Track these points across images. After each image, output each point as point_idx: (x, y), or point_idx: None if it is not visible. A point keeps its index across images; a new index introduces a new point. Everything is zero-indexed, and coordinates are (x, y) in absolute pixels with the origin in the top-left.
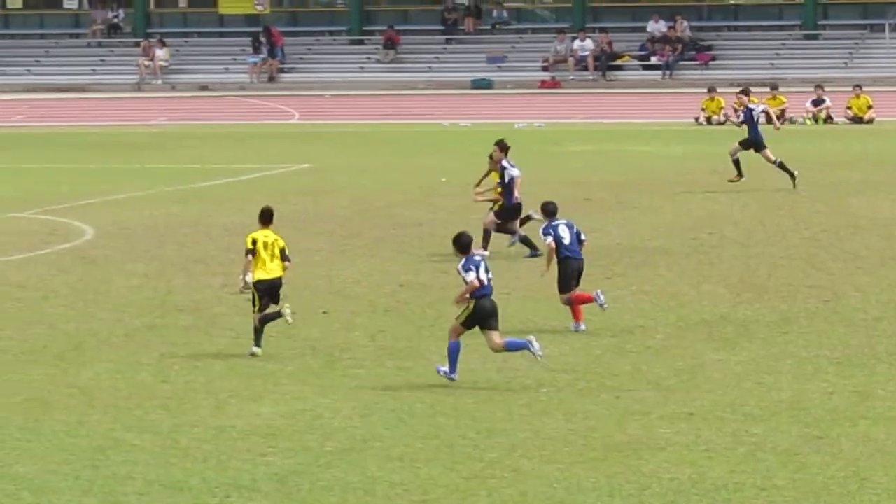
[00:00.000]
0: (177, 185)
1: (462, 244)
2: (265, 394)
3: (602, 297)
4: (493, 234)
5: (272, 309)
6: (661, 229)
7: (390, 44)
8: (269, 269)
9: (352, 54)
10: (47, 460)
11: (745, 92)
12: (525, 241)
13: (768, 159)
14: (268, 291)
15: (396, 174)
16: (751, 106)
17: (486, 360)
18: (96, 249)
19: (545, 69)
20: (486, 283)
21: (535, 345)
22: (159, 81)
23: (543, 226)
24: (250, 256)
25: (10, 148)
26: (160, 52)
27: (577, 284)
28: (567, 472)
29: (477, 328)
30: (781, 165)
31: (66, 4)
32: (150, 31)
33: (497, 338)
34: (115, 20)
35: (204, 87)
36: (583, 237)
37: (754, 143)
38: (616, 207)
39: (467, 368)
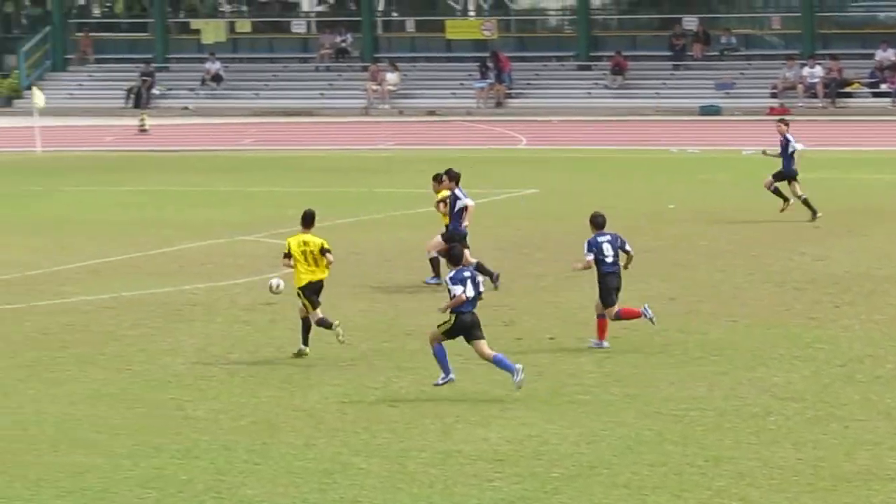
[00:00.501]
0: (404, 210)
1: (453, 256)
2: (492, 419)
3: (650, 311)
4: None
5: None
6: (892, 258)
7: (618, 69)
8: (313, 272)
9: (579, 80)
10: (275, 483)
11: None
12: (480, 268)
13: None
14: (314, 292)
15: (623, 200)
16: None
17: (714, 388)
18: None
19: (774, 96)
20: (469, 298)
21: (518, 377)
22: (387, 106)
23: (588, 240)
24: (288, 260)
25: (238, 171)
26: (391, 76)
27: (616, 300)
28: (795, 501)
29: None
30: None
31: (295, 29)
32: (377, 55)
33: (485, 348)
34: (343, 44)
35: (431, 112)
36: (627, 247)
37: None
38: (845, 235)
39: (693, 396)
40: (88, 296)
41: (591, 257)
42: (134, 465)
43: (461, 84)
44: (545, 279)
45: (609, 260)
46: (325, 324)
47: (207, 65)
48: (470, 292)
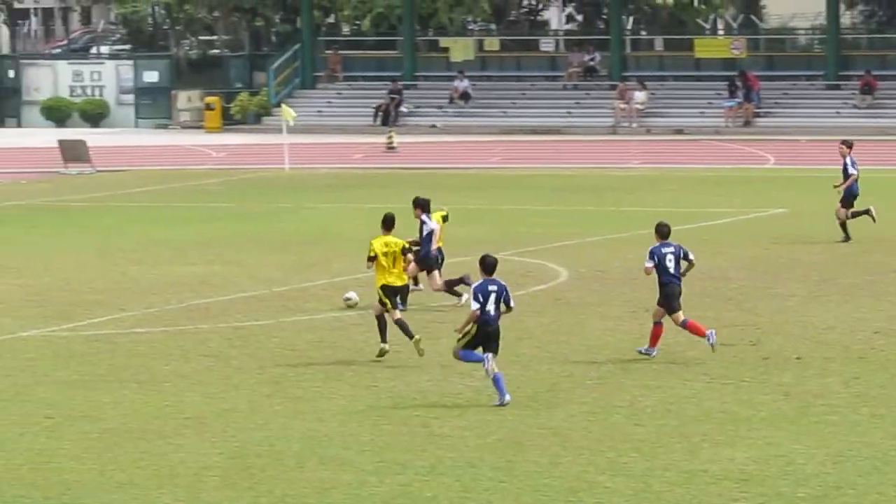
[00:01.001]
0: (651, 229)
1: (486, 265)
2: (738, 438)
3: (714, 338)
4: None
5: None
6: None
7: (867, 89)
8: (393, 274)
9: (828, 99)
10: (520, 501)
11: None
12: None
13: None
14: (395, 294)
15: (878, 223)
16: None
17: None
18: (570, 291)
19: None
20: (491, 312)
21: (500, 401)
22: (634, 124)
23: (651, 248)
24: (371, 263)
25: (486, 189)
26: (639, 95)
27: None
28: None
29: None
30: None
31: (543, 47)
32: (625, 74)
33: (491, 364)
34: (592, 63)
35: (679, 131)
36: (690, 256)
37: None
38: None
39: None
40: (336, 312)
41: (651, 265)
42: (380, 482)
43: (709, 103)
44: (792, 299)
45: (671, 269)
46: (404, 328)
47: (455, 83)
48: (490, 306)
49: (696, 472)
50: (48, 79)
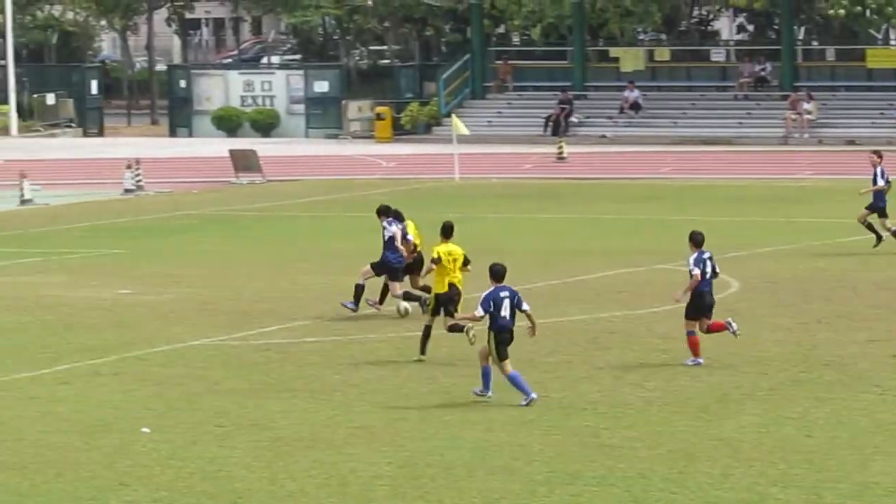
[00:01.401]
0: (823, 240)
1: (495, 273)
2: None
3: (734, 325)
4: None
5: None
6: None
7: None
8: (451, 279)
9: None
10: None
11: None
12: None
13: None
14: (446, 303)
15: None
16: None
17: None
18: (741, 302)
19: None
20: (507, 318)
21: (526, 401)
22: (806, 135)
23: (693, 256)
24: (434, 266)
25: (656, 200)
26: (807, 106)
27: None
28: None
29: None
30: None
31: (714, 57)
32: (797, 84)
33: (507, 367)
34: (763, 73)
35: (851, 142)
36: (717, 269)
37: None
38: None
39: None
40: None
41: (697, 271)
42: (549, 492)
43: (881, 113)
44: None
45: (708, 276)
46: (456, 329)
47: (626, 93)
48: (505, 312)
49: (868, 483)
50: (219, 89)
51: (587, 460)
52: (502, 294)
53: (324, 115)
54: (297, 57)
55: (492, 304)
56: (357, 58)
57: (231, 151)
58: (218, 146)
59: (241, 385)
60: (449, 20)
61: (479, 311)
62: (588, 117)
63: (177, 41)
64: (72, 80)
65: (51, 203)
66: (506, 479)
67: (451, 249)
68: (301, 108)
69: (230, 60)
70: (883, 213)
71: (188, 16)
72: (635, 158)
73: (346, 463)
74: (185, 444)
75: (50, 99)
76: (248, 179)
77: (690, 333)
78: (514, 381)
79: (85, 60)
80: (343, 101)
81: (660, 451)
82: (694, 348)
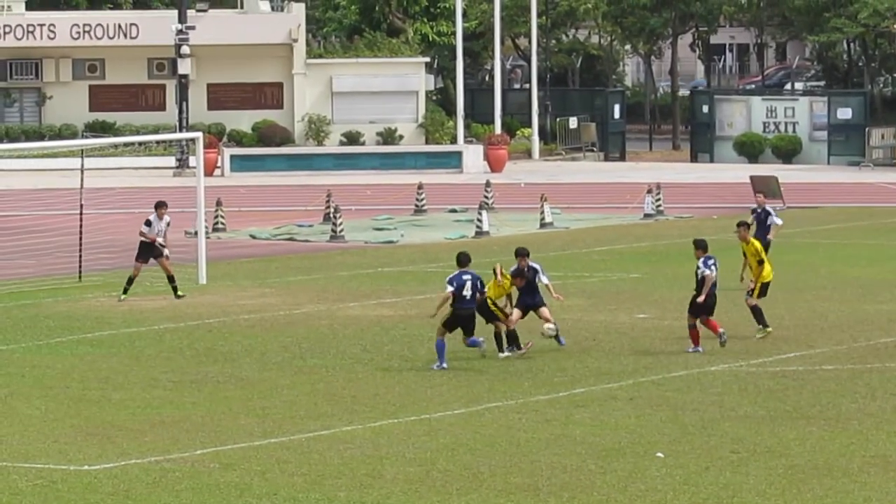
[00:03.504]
0: None
1: (458, 260)
2: None
3: (724, 337)
4: None
5: None
6: None
7: None
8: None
9: None
10: None
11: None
12: None
13: None
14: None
15: None
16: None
17: None
18: None
19: None
20: (467, 298)
21: (482, 346)
22: None
23: (705, 260)
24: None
25: None
26: None
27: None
28: None
29: None
30: None
31: None
32: None
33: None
34: None
35: None
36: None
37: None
38: None
39: None
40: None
41: (715, 272)
42: None
43: None
44: None
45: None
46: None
47: None
48: (466, 293)
49: None
50: (741, 114)
51: None
52: (465, 277)
53: (846, 141)
54: (821, 83)
55: (455, 283)
56: (881, 85)
57: (752, 177)
58: (739, 172)
59: (757, 411)
60: None
61: (448, 289)
62: None
63: (700, 66)
64: (595, 104)
65: (570, 226)
66: None
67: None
68: (824, 134)
69: (753, 86)
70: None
71: (712, 41)
72: None
73: (861, 492)
74: (698, 470)
75: (572, 123)
76: (770, 206)
77: (693, 328)
78: (471, 343)
79: (609, 84)
80: (867, 128)
81: None
82: (697, 338)
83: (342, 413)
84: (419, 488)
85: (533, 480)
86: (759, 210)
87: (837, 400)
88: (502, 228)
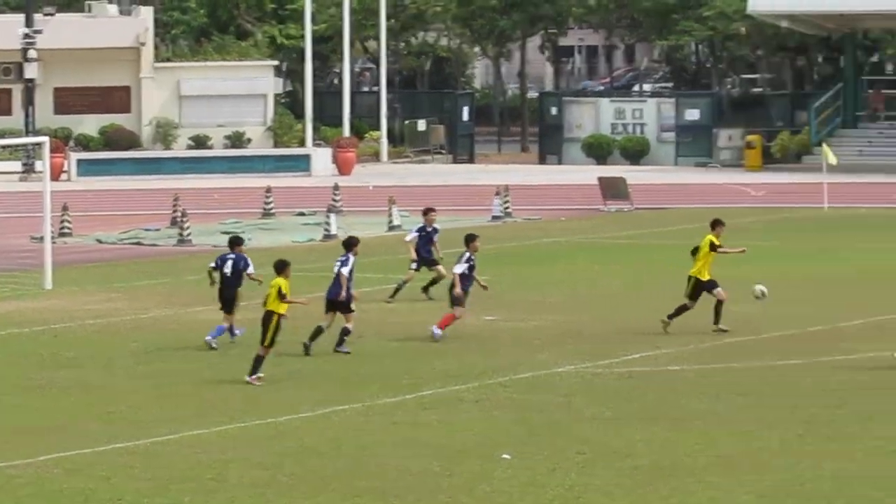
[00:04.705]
0: None
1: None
2: None
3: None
4: None
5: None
6: None
7: None
8: None
9: None
10: None
11: None
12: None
13: None
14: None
15: None
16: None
17: None
18: None
19: None
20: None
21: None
22: None
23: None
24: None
25: None
26: None
27: None
28: None
29: None
30: None
31: None
32: None
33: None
34: None
35: None
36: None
37: None
38: None
39: None
40: (872, 353)
41: None
42: None
43: None
44: None
45: None
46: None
47: None
48: (344, 271)
49: None
50: (590, 116)
51: None
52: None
53: (694, 142)
54: (670, 85)
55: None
56: (729, 86)
57: (600, 178)
58: (587, 173)
59: (603, 412)
60: (822, 50)
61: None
62: None
63: (549, 68)
64: (444, 107)
65: None
66: None
67: None
68: (671, 135)
69: (602, 88)
70: None
71: (562, 43)
72: None
73: (705, 492)
74: (545, 472)
75: (421, 125)
76: (616, 207)
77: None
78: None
79: (458, 87)
80: (714, 130)
81: None
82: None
83: (189, 417)
84: (265, 492)
85: (380, 483)
86: (429, 229)
87: (683, 400)
88: (351, 231)
